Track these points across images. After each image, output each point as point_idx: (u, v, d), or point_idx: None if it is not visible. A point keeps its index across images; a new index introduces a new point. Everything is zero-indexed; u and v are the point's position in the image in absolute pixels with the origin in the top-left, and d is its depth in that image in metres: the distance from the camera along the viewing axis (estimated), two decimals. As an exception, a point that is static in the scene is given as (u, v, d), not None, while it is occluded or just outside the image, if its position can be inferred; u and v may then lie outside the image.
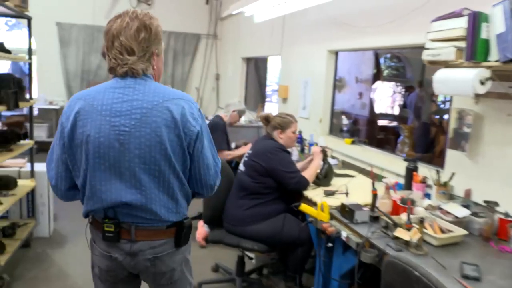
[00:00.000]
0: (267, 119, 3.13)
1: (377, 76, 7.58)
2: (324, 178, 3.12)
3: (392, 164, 3.39)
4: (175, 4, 8.01)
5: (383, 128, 7.62)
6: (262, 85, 7.60)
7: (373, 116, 7.51)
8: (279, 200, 2.96)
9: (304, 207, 2.59)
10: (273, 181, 2.92)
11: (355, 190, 2.96)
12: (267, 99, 8.10)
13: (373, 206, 2.48)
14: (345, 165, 4.01)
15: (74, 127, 1.52)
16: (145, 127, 1.49)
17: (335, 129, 4.71)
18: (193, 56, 8.28)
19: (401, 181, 2.98)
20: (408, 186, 2.82)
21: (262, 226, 2.89)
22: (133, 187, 1.52)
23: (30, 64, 3.68)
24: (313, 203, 2.75)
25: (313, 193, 2.91)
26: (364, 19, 3.72)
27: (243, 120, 5.33)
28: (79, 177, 1.58)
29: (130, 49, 1.51)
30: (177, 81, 8.16)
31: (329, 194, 2.88)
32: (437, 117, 6.60)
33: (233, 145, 4.55)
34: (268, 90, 8.46)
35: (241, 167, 3.12)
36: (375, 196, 2.51)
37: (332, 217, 2.51)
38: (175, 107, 1.52)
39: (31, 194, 3.76)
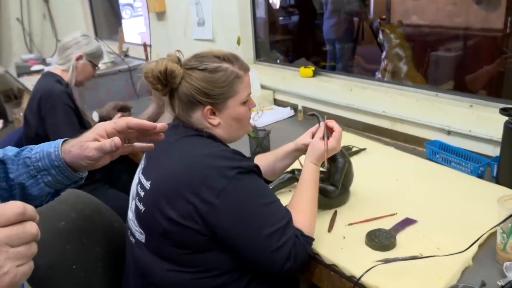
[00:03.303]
0: (165, 77, 1.12)
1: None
2: (338, 191, 1.30)
3: (426, 112, 1.70)
4: None
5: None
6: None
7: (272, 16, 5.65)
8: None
9: None
10: (229, 257, 1.07)
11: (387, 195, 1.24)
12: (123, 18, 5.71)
13: None
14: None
15: None
16: None
17: (263, 49, 2.80)
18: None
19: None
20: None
21: None
22: None
23: None
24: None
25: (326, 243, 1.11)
26: None
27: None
28: None
29: None
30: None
31: (385, 247, 1.10)
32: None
33: (95, 116, 2.45)
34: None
35: (132, 223, 1.17)
36: None
37: None
38: None
39: None
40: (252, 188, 1.05)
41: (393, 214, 1.26)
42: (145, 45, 3.23)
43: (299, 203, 1.15)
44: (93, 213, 1.34)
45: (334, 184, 1.29)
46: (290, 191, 1.44)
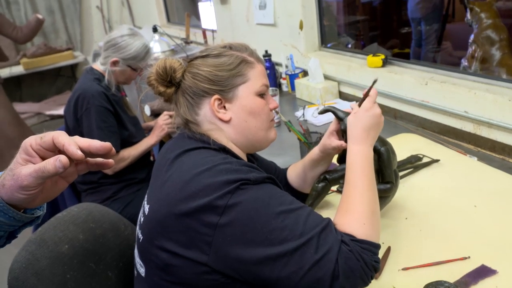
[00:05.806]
0: (165, 72, 0.96)
1: None
2: (395, 186, 1.07)
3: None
4: None
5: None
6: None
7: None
8: None
9: None
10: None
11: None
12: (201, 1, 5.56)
13: None
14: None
15: None
16: None
17: (330, 37, 2.50)
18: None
19: None
20: None
21: None
22: None
23: None
24: None
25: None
26: None
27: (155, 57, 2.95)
28: None
29: None
30: (67, 2, 5.55)
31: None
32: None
33: (147, 110, 2.33)
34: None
35: (136, 252, 0.99)
36: None
37: None
38: None
39: None
40: (264, 196, 0.82)
41: (465, 258, 0.96)
42: (204, 31, 3.05)
43: (345, 201, 0.89)
44: (107, 231, 1.18)
45: (388, 181, 1.05)
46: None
